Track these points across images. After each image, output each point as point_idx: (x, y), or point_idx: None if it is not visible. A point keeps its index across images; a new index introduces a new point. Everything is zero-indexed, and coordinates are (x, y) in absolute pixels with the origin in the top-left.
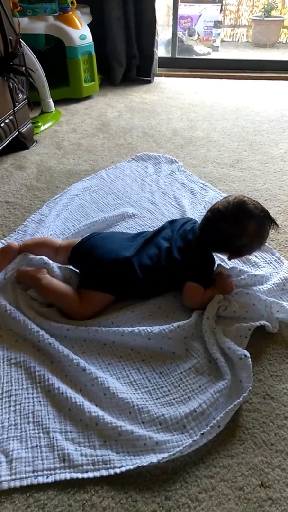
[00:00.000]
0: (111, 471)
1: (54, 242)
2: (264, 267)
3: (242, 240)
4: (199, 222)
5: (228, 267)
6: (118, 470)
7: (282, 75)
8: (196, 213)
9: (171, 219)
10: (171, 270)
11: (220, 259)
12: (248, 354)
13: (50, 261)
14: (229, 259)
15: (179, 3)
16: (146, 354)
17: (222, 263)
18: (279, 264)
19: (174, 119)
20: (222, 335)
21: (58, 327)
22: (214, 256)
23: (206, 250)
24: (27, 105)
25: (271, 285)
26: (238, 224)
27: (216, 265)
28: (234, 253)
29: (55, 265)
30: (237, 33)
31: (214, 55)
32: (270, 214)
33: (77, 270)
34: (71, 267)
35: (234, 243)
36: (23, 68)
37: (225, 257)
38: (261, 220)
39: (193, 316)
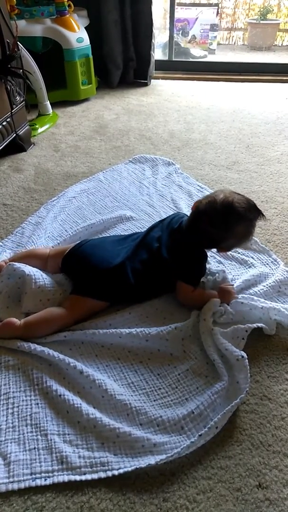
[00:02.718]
0: (109, 473)
1: (42, 252)
2: (260, 268)
3: (230, 241)
4: (187, 216)
5: (225, 269)
6: (116, 472)
7: (278, 77)
8: None
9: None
10: (162, 270)
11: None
12: (245, 355)
13: (33, 272)
14: (219, 252)
15: (176, 6)
16: (144, 356)
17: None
18: (275, 266)
19: (171, 122)
20: (219, 336)
21: (54, 335)
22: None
23: (195, 248)
24: (25, 107)
25: (267, 288)
26: (227, 228)
27: (218, 274)
28: (223, 250)
29: (39, 274)
30: (233, 36)
31: (210, 58)
32: (261, 210)
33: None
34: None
35: (221, 243)
36: (21, 70)
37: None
38: (250, 221)
39: (191, 317)
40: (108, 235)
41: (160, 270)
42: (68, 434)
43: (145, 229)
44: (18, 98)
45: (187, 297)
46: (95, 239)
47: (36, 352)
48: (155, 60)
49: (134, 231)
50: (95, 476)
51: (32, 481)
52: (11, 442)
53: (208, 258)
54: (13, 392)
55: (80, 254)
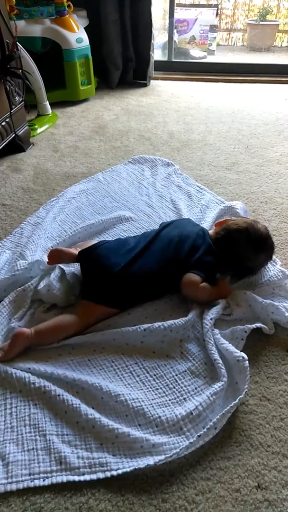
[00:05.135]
0: (108, 474)
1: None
2: None
3: (250, 262)
4: (200, 225)
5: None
6: (115, 473)
7: (277, 78)
8: (193, 216)
9: (169, 221)
10: (176, 269)
11: None
12: (245, 356)
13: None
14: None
15: (175, 7)
16: (140, 357)
17: None
18: (272, 266)
19: (171, 122)
20: (220, 337)
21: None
22: None
23: (216, 256)
24: (24, 107)
25: (261, 286)
26: (257, 251)
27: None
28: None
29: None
30: (232, 37)
31: (210, 59)
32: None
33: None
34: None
35: (243, 262)
36: (20, 70)
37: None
38: (271, 257)
39: (189, 317)
40: (108, 235)
41: (174, 269)
42: (67, 435)
43: (144, 229)
44: (17, 98)
45: (191, 288)
46: (110, 241)
47: (15, 377)
48: (155, 61)
49: (133, 232)
50: (93, 476)
51: (31, 481)
52: (9, 443)
53: None
54: (10, 392)
55: (94, 257)
